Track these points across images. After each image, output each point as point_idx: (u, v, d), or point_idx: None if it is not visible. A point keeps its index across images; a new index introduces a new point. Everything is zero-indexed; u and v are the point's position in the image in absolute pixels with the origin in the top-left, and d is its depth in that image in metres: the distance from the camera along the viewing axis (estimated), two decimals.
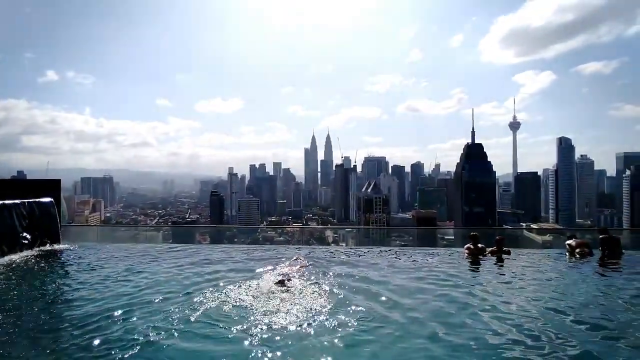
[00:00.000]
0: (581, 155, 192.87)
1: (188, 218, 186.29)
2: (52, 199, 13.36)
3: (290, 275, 8.60)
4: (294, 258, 10.62)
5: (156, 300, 6.86)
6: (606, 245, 11.08)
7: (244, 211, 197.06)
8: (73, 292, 7.86)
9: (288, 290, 7.40)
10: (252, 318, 5.87)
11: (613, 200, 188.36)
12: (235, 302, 6.66)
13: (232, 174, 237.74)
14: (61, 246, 12.89)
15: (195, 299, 6.82)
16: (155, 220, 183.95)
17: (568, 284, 8.54)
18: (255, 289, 7.49)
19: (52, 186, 14.23)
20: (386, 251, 12.98)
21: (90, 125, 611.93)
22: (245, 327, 5.53)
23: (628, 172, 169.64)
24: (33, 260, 10.65)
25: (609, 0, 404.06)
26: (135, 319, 5.97)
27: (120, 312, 6.24)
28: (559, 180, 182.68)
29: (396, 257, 11.69)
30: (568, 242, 11.65)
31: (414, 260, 11.14)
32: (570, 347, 4.93)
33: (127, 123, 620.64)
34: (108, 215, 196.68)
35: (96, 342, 5.13)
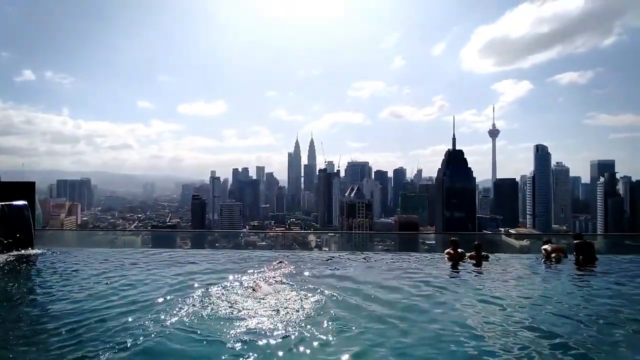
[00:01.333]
0: (557, 163, 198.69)
1: (169, 222, 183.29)
2: (26, 202, 12.95)
3: (272, 278, 8.60)
4: (278, 261, 10.68)
5: (133, 306, 6.72)
6: (581, 250, 11.41)
7: (226, 215, 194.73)
8: (45, 298, 7.62)
9: (270, 294, 7.38)
10: (231, 322, 5.81)
11: (587, 207, 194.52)
12: (215, 306, 6.58)
13: (214, 178, 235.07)
14: (35, 251, 12.49)
15: (173, 304, 6.71)
16: (135, 224, 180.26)
17: (541, 288, 8.76)
18: (236, 293, 7.43)
19: (26, 189, 13.81)
20: (368, 256, 13.05)
21: (68, 127, 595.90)
22: (224, 331, 5.47)
23: (602, 179, 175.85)
24: (4, 266, 10.27)
25: (584, 13, 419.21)
26: (110, 325, 5.82)
27: (93, 318, 6.09)
28: (536, 187, 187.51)
29: (378, 262, 11.77)
30: (544, 247, 11.97)
31: (395, 265, 11.24)
32: (536, 348, 5.06)
33: (107, 125, 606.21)
34: (85, 219, 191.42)
35: (70, 349, 4.98)
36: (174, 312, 6.30)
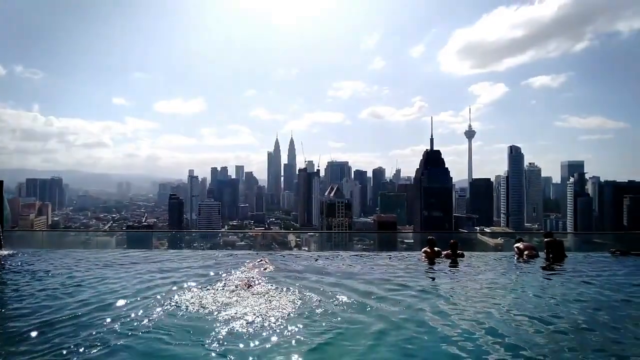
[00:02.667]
0: (530, 163, 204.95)
1: (145, 222, 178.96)
2: None
3: (253, 277, 8.59)
4: (259, 260, 10.68)
5: (105, 309, 6.55)
6: (551, 248, 11.85)
7: (204, 215, 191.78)
8: (12, 301, 7.35)
9: (251, 293, 7.37)
10: (211, 323, 5.76)
11: (558, 206, 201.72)
12: (192, 307, 6.50)
13: (192, 177, 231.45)
14: (3, 252, 12.01)
15: (147, 306, 6.59)
16: (109, 225, 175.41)
17: (512, 284, 9.08)
18: (216, 293, 7.37)
19: None
20: (348, 255, 13.16)
21: (38, 123, 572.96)
22: (201, 332, 5.42)
23: (572, 180, 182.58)
24: None
25: (557, 18, 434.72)
26: (80, 328, 5.67)
27: (63, 321, 5.92)
28: (509, 187, 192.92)
29: (357, 260, 11.89)
30: (516, 245, 12.38)
31: (374, 263, 11.39)
32: (505, 343, 5.26)
33: (80, 122, 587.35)
34: (56, 219, 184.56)
35: (38, 353, 4.84)
36: (148, 314, 6.18)
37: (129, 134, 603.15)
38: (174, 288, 7.79)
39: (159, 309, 6.41)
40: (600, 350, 5.06)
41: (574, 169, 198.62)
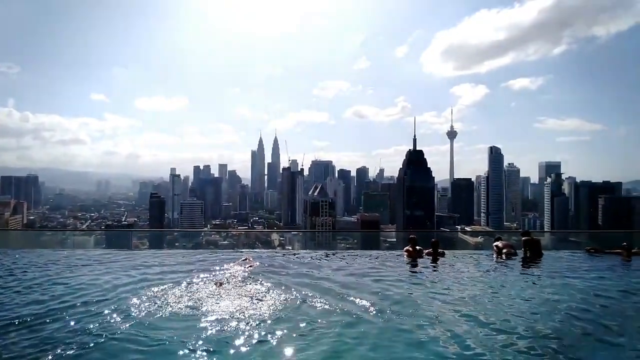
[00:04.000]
0: (509, 164, 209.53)
1: (124, 221, 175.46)
2: None
3: (236, 276, 8.59)
4: (243, 258, 10.70)
5: (82, 310, 6.40)
6: (528, 246, 12.15)
7: (186, 214, 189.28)
8: None
9: (233, 291, 7.37)
10: (189, 323, 5.72)
11: (536, 205, 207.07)
12: (174, 307, 6.42)
13: (174, 175, 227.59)
14: None
15: (126, 307, 6.47)
16: (87, 224, 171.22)
17: (490, 281, 9.28)
18: (197, 292, 7.31)
19: None
20: (332, 254, 13.21)
21: (13, 119, 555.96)
22: (183, 332, 5.37)
23: (549, 180, 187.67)
24: None
25: (537, 22, 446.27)
26: (55, 330, 5.55)
27: (37, 323, 5.79)
28: (489, 186, 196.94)
29: (341, 259, 11.95)
30: (495, 243, 12.65)
31: (358, 262, 11.48)
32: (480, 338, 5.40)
33: (56, 118, 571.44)
34: (32, 218, 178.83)
35: (11, 355, 4.71)
36: (127, 315, 6.08)
37: (107, 130, 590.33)
38: (153, 288, 7.65)
39: (134, 310, 6.31)
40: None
41: (552, 169, 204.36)
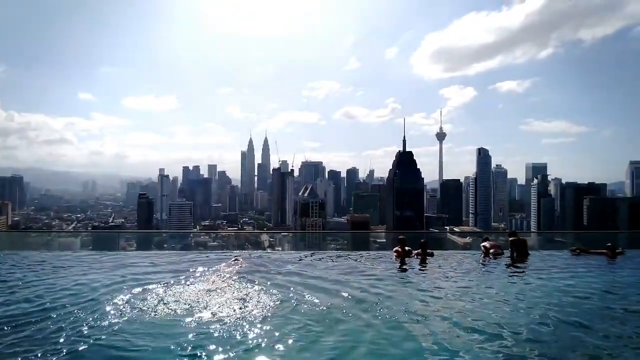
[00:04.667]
0: (497, 165, 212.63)
1: (111, 222, 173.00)
2: None
3: (226, 276, 8.64)
4: (233, 259, 10.67)
5: (68, 312, 6.30)
6: (515, 246, 12.34)
7: (175, 215, 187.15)
8: None
9: (223, 292, 7.37)
10: (179, 325, 5.67)
11: (523, 206, 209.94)
12: (163, 308, 6.37)
13: (163, 176, 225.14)
14: None
15: (112, 308, 6.41)
16: (73, 225, 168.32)
17: (478, 281, 9.40)
18: (185, 293, 7.26)
19: None
20: (322, 255, 13.22)
21: None
22: (170, 335, 5.32)
23: (535, 181, 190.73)
24: None
25: (524, 26, 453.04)
26: (42, 331, 5.46)
27: (23, 324, 5.69)
28: (477, 187, 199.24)
29: (331, 260, 11.97)
30: (483, 244, 12.82)
31: (348, 262, 11.51)
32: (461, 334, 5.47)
33: (42, 117, 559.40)
34: (16, 219, 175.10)
35: None
36: (112, 318, 5.99)
37: (94, 130, 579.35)
38: (140, 290, 7.57)
39: (118, 313, 6.23)
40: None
41: (538, 170, 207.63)
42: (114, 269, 9.93)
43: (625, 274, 10.27)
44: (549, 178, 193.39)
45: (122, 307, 6.52)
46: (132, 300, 6.89)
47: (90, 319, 5.98)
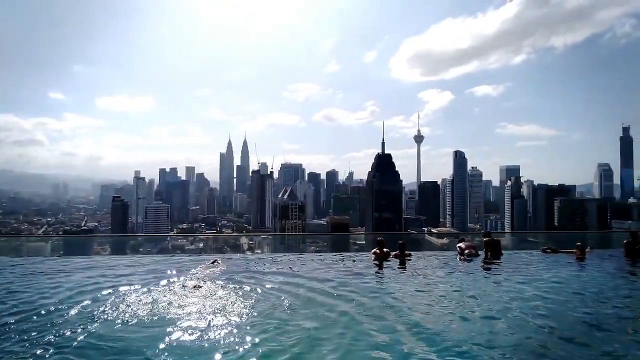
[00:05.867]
0: (472, 167, 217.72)
1: (84, 226, 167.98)
2: None
3: (204, 279, 8.56)
4: (212, 261, 10.64)
5: (38, 319, 6.10)
6: (489, 247, 12.69)
7: (151, 218, 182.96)
8: None
9: (201, 295, 7.31)
10: (154, 329, 5.57)
11: (497, 207, 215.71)
12: (138, 313, 6.24)
13: (138, 178, 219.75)
14: None
15: (86, 314, 6.24)
16: (43, 229, 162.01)
17: (451, 281, 9.63)
18: (161, 297, 7.13)
19: None
20: (301, 257, 13.23)
21: None
22: (145, 341, 5.23)
23: (509, 183, 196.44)
24: None
25: (499, 32, 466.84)
26: (11, 340, 5.27)
27: None
28: (454, 189, 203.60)
29: (310, 262, 11.99)
30: (459, 244, 13.13)
31: (326, 264, 11.57)
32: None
33: (11, 117, 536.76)
34: None
35: None
36: (85, 324, 5.84)
37: (67, 131, 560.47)
38: (113, 295, 7.39)
39: (91, 319, 6.07)
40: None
41: (511, 172, 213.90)
42: (86, 275, 9.64)
43: (593, 273, 10.62)
44: (522, 180, 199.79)
45: (94, 312, 6.34)
46: (104, 305, 6.70)
47: (61, 326, 5.79)
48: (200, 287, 7.87)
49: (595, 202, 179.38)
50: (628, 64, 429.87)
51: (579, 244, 12.89)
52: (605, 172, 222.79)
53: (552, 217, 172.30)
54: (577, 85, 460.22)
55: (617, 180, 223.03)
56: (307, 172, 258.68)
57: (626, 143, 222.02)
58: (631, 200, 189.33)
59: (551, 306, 7.26)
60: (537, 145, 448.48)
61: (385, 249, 12.38)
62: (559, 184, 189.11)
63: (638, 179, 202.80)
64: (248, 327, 5.74)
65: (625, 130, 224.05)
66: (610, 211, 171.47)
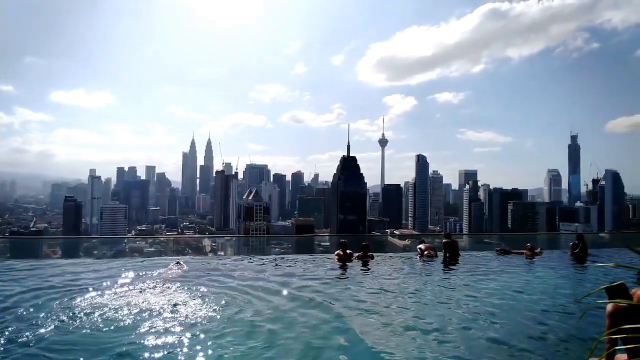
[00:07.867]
0: (434, 171, 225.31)
1: (33, 227, 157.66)
2: None
3: (163, 282, 8.38)
4: (174, 262, 10.46)
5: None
6: (448, 248, 13.20)
7: (107, 219, 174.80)
8: None
9: (157, 298, 7.15)
10: (105, 335, 5.36)
11: (456, 210, 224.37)
12: (90, 319, 5.96)
13: (94, 177, 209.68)
14: None
15: (31, 322, 5.88)
16: None
17: (410, 281, 9.99)
18: (115, 302, 6.84)
19: None
20: (265, 258, 13.14)
21: None
22: (98, 347, 5.03)
23: (467, 187, 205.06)
24: None
25: (459, 42, 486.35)
26: None
27: None
28: (416, 192, 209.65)
29: (274, 264, 11.94)
30: (419, 246, 13.56)
31: (289, 266, 11.59)
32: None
33: None
34: None
35: None
36: (30, 333, 5.51)
37: (15, 125, 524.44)
38: (65, 300, 7.03)
39: (36, 327, 5.72)
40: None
41: (469, 176, 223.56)
42: (33, 279, 9.08)
43: (540, 272, 11.30)
44: (479, 184, 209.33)
45: (39, 320, 5.98)
46: (56, 311, 6.36)
47: (4, 334, 5.44)
48: (160, 289, 7.68)
49: (545, 205, 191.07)
50: (577, 76, 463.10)
51: (529, 244, 13.73)
52: (554, 177, 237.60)
53: (506, 219, 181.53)
54: (530, 94, 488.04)
55: (565, 185, 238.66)
56: (272, 173, 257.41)
57: (574, 150, 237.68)
58: (578, 204, 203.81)
59: (500, 302, 7.63)
60: (492, 151, 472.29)
61: (348, 250, 12.54)
62: (512, 188, 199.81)
63: (585, 184, 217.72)
64: (209, 329, 5.65)
65: (573, 138, 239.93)
66: (559, 214, 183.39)
